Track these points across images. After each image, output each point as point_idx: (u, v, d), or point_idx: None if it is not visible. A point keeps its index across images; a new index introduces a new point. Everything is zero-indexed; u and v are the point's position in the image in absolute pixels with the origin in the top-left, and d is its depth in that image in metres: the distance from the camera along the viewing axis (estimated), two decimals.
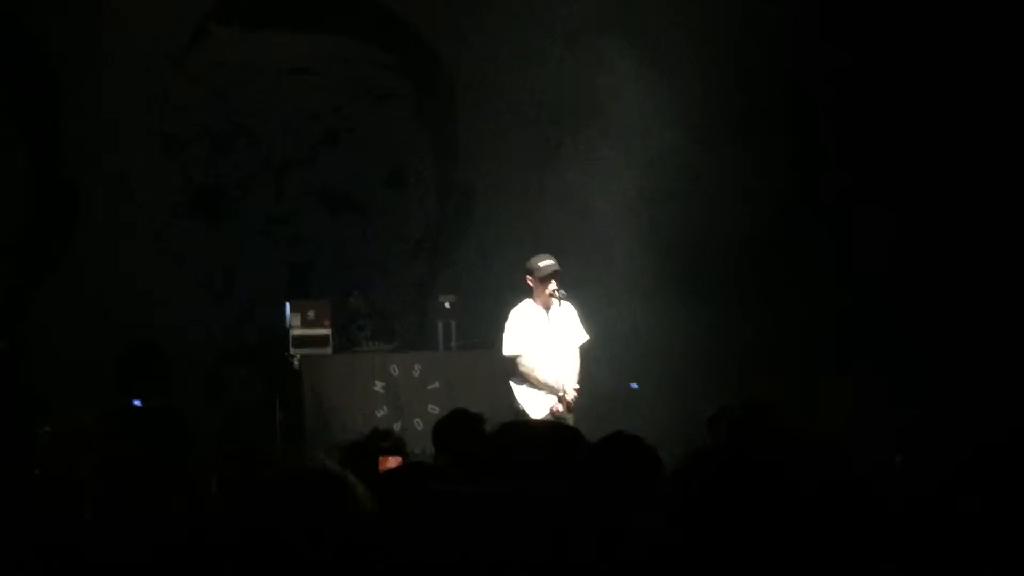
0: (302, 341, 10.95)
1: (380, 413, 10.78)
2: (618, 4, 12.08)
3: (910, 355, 11.28)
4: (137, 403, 11.20)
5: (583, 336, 9.40)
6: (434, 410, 10.40)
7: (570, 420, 9.04)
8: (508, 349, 9.33)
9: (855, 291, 11.69)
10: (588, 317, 9.61)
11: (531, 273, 9.26)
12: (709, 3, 11.91)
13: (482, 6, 12.18)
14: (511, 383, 9.29)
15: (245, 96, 12.64)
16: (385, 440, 6.53)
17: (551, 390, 9.20)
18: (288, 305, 11.06)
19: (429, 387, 11.01)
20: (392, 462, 5.40)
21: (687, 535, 2.50)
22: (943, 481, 2.97)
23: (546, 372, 9.19)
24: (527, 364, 9.23)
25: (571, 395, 9.16)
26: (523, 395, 9.24)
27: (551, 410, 9.13)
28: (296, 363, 10.90)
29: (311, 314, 10.99)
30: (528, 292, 9.35)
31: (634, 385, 11.84)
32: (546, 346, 9.21)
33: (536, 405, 9.19)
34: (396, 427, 10.62)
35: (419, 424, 10.58)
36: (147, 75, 12.08)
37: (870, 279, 11.65)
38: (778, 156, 11.90)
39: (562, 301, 9.23)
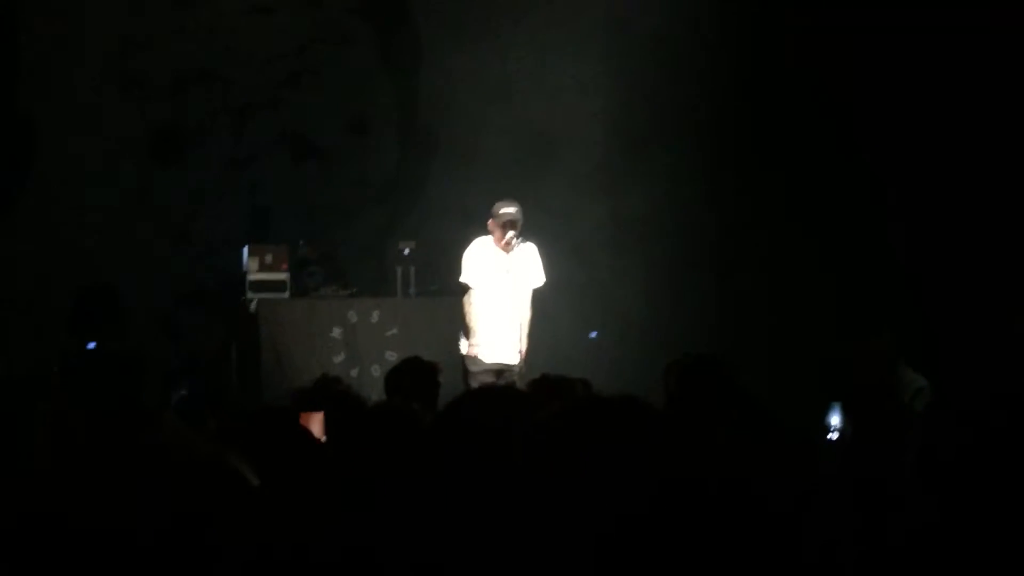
0: (259, 285, 10.86)
1: (337, 359, 10.70)
2: None
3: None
4: (91, 346, 11.12)
5: (539, 279, 9.41)
6: (392, 356, 10.32)
7: (518, 370, 9.04)
8: (466, 276, 9.33)
9: (821, 240, 11.52)
10: (549, 266, 9.56)
11: (492, 216, 9.31)
12: None
13: None
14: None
15: (207, 35, 12.48)
16: (337, 385, 6.49)
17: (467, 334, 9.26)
18: (245, 249, 10.95)
19: (387, 333, 10.94)
20: (315, 419, 5.36)
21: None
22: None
23: (479, 320, 9.19)
24: (471, 302, 9.24)
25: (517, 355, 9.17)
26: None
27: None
28: (253, 307, 10.80)
29: (268, 258, 10.90)
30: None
31: (593, 334, 11.80)
32: (500, 285, 9.25)
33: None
34: (354, 373, 10.58)
35: (376, 370, 10.50)
36: (108, 12, 11.91)
37: (844, 230, 11.44)
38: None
39: (524, 241, 9.28)
